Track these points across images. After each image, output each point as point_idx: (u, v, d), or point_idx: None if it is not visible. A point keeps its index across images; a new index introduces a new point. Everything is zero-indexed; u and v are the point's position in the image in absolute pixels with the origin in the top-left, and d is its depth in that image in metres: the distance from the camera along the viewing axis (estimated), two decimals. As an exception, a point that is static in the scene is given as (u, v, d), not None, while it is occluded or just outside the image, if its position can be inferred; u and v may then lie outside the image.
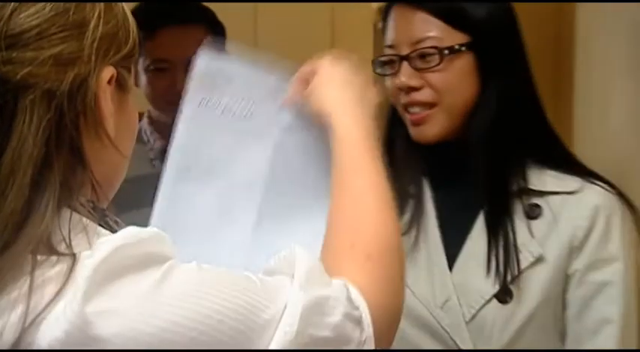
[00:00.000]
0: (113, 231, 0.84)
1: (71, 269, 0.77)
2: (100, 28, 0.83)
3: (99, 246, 0.79)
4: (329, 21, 4.39)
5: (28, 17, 0.80)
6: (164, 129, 1.89)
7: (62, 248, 0.79)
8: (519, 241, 1.32)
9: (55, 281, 0.77)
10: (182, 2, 1.99)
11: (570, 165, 1.38)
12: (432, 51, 1.34)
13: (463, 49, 1.34)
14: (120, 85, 0.87)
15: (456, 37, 1.34)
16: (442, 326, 1.35)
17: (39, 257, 0.78)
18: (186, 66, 1.78)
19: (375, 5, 3.52)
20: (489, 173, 1.34)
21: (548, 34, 2.42)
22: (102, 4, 0.85)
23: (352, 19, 3.76)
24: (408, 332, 1.39)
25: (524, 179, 1.35)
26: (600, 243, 1.33)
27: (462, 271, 1.35)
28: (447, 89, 1.35)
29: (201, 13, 2.00)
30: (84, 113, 0.82)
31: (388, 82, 1.40)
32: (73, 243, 0.79)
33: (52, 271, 0.78)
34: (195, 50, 1.86)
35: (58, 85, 0.80)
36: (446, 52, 1.33)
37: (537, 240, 1.33)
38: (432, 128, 1.37)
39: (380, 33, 3.52)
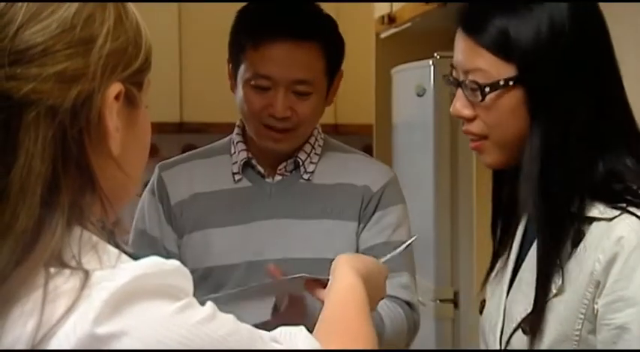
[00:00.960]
0: (121, 251, 0.83)
1: (83, 285, 0.77)
2: (108, 44, 0.82)
3: (120, 271, 0.78)
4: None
5: (34, 34, 0.80)
6: (252, 143, 1.75)
7: (73, 265, 0.79)
8: (559, 254, 1.24)
9: (68, 296, 0.77)
10: (299, 12, 1.72)
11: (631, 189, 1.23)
12: (475, 86, 1.27)
13: (510, 83, 1.25)
14: (129, 100, 0.86)
15: (504, 70, 1.25)
16: (491, 345, 1.36)
17: (52, 270, 0.78)
18: (290, 87, 1.68)
19: (377, 14, 3.55)
20: (537, 208, 1.27)
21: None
22: (112, 19, 0.84)
23: (354, 28, 3.78)
24: (480, 345, 1.42)
25: (580, 204, 1.25)
26: (620, 281, 1.18)
27: (513, 297, 1.33)
28: (496, 125, 1.28)
29: (320, 27, 1.71)
30: (88, 129, 0.81)
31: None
32: (83, 261, 0.79)
33: (65, 285, 0.78)
34: (305, 70, 1.68)
35: (62, 102, 0.80)
36: (487, 89, 1.26)
37: (565, 269, 1.23)
38: (486, 157, 1.33)
39: (381, 42, 3.55)
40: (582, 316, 1.21)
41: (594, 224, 1.22)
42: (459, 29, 1.32)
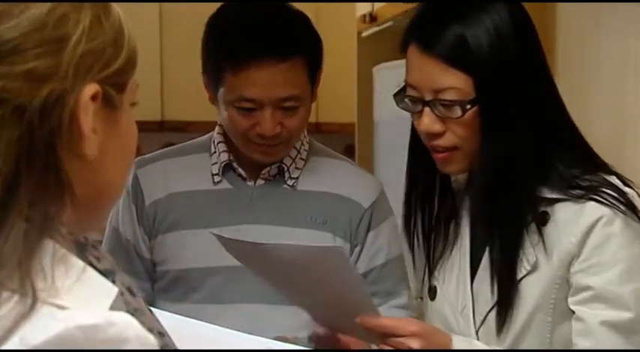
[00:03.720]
0: (93, 267, 0.80)
1: (31, 309, 0.73)
2: (83, 44, 0.81)
3: (60, 317, 0.72)
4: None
5: (4, 31, 0.78)
6: (234, 146, 1.68)
7: (40, 279, 0.75)
8: (520, 250, 1.34)
9: (8, 320, 0.72)
10: (273, 27, 1.61)
11: (586, 171, 1.35)
12: (453, 103, 1.30)
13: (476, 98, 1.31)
14: (108, 102, 0.84)
15: (471, 85, 1.30)
16: (459, 330, 1.40)
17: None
18: (277, 105, 1.59)
19: (358, 13, 3.55)
20: (489, 209, 1.35)
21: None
22: (88, 19, 0.82)
23: (336, 27, 3.78)
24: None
25: (540, 188, 1.34)
26: (595, 249, 1.30)
27: (481, 280, 1.38)
28: (468, 137, 1.32)
29: (299, 39, 1.62)
30: (59, 130, 0.79)
31: (413, 118, 1.39)
32: (55, 278, 0.75)
33: (5, 310, 0.73)
34: (290, 87, 1.59)
35: (30, 101, 0.77)
36: (468, 106, 1.30)
37: (538, 247, 1.33)
38: (454, 166, 1.37)
39: (363, 40, 3.55)
40: (557, 286, 1.32)
41: (559, 204, 1.32)
42: (416, 47, 1.33)
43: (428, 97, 1.32)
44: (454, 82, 1.30)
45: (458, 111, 1.30)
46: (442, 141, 1.34)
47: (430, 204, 1.46)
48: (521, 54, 1.32)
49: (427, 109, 1.33)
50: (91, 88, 0.81)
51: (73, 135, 0.80)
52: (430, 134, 1.34)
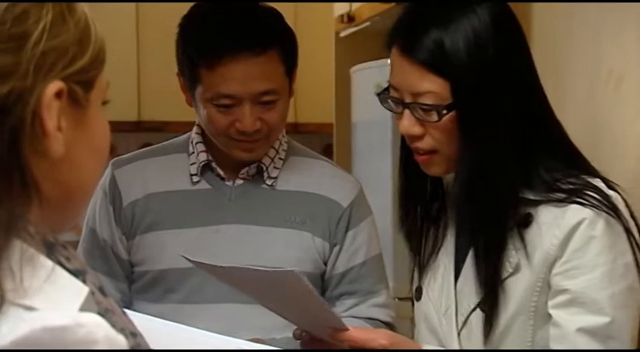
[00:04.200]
0: (63, 267, 0.79)
1: None
2: (44, 42, 0.79)
3: (27, 319, 0.72)
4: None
5: None
6: (213, 145, 1.68)
7: (7, 280, 0.74)
8: (503, 252, 1.34)
9: None
10: (245, 21, 1.62)
11: (568, 174, 1.34)
12: (430, 107, 1.31)
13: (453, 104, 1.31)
14: (74, 100, 0.83)
15: (448, 90, 1.30)
16: (442, 332, 1.41)
17: None
18: (255, 99, 1.59)
19: (336, 13, 3.55)
20: (471, 213, 1.35)
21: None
22: (50, 17, 0.80)
23: (314, 27, 3.79)
24: (422, 334, 1.46)
25: (523, 190, 1.34)
26: (576, 252, 1.30)
27: (464, 281, 1.39)
28: (446, 141, 1.33)
29: (277, 33, 1.64)
30: (22, 129, 0.78)
31: (396, 119, 1.40)
32: (23, 279, 0.74)
33: None
34: (267, 81, 1.59)
35: None
36: (444, 112, 1.30)
37: (520, 249, 1.33)
38: (436, 169, 1.38)
39: (341, 41, 3.56)
40: (539, 289, 1.32)
41: (542, 207, 1.32)
42: (398, 49, 1.34)
43: (407, 100, 1.33)
44: (431, 87, 1.30)
45: (434, 116, 1.31)
46: (421, 144, 1.35)
47: (422, 203, 1.46)
48: (502, 58, 1.31)
49: (407, 112, 1.34)
50: (54, 86, 0.80)
51: (37, 133, 0.79)
52: (410, 136, 1.35)
